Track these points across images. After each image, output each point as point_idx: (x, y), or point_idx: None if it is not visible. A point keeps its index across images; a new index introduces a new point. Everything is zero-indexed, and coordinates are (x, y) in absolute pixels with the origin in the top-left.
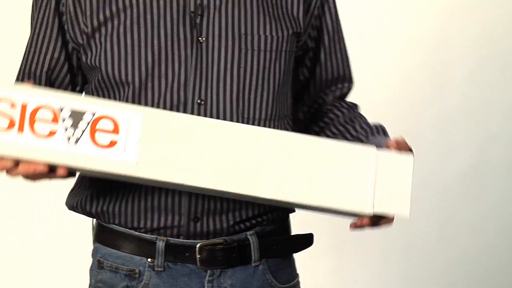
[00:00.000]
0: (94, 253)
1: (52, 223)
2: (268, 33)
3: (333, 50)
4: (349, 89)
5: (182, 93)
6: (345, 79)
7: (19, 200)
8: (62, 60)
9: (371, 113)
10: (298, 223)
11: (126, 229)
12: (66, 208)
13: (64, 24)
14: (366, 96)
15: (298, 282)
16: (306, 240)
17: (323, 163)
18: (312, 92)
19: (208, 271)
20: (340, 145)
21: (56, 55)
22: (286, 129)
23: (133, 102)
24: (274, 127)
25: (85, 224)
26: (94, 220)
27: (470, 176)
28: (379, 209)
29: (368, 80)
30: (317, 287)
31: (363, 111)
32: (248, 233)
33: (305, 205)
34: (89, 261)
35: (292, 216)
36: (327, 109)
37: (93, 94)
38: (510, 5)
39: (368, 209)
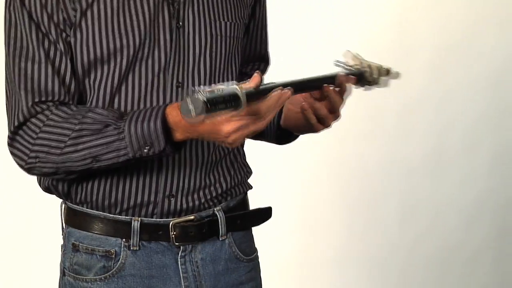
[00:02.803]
0: (67, 237)
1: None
2: (231, 19)
3: (260, 26)
4: (265, 68)
5: (161, 76)
6: (264, 59)
7: None
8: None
9: None
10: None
11: (100, 212)
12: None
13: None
14: None
15: (257, 256)
16: (265, 214)
17: None
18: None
19: (181, 247)
20: None
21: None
22: None
23: (118, 82)
24: None
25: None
26: (63, 204)
27: (430, 160)
28: None
29: (328, 68)
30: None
31: None
32: (215, 209)
33: None
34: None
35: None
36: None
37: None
38: None
39: None
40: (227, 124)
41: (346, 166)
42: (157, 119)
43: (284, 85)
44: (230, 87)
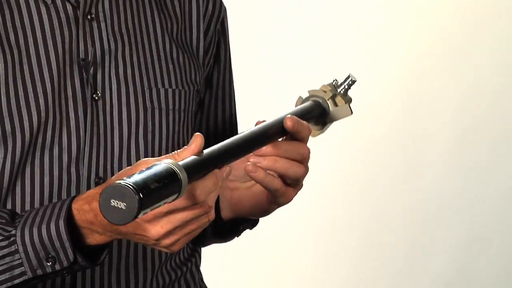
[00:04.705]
0: None
1: None
2: (174, 85)
3: (221, 96)
4: None
5: (73, 169)
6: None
7: None
8: None
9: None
10: None
11: None
12: None
13: None
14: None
15: None
16: None
17: None
18: None
19: None
20: None
21: None
22: None
23: (10, 180)
24: None
25: None
26: None
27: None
28: None
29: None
30: None
31: None
32: None
33: None
34: None
35: None
36: None
37: None
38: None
39: None
40: (153, 224)
41: None
42: (59, 218)
43: (222, 152)
44: (161, 163)
